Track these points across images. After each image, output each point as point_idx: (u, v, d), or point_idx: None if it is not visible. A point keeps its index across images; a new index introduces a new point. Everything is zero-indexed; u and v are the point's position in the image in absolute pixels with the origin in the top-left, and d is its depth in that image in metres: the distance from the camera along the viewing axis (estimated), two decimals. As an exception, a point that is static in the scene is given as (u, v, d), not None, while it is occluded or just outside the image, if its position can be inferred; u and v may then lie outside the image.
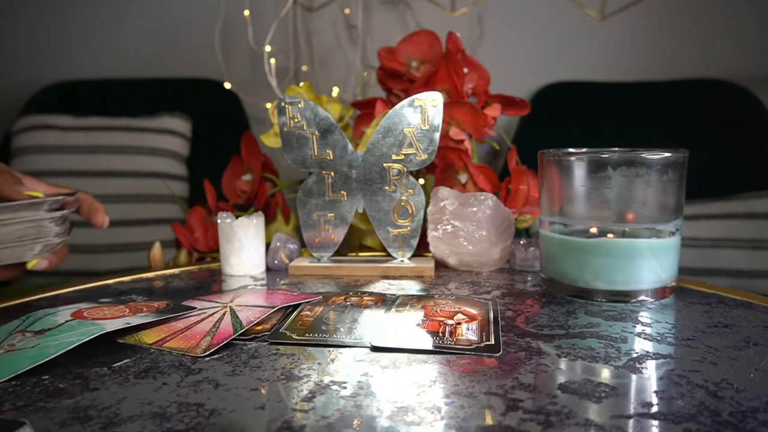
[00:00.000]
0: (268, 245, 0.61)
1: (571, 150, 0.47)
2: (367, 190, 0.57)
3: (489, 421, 0.26)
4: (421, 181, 0.67)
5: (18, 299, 0.49)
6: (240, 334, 0.38)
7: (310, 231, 0.59)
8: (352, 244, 0.68)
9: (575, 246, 0.46)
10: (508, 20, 1.31)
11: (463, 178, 0.64)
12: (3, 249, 0.46)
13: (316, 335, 0.38)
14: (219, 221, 0.58)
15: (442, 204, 0.57)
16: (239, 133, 0.74)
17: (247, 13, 1.21)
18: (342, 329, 0.39)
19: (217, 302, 0.45)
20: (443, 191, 0.58)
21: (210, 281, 0.55)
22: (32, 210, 0.47)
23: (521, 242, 0.58)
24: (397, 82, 0.72)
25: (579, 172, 0.46)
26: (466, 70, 0.67)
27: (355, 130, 0.71)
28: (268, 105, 0.79)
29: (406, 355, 0.35)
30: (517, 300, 0.46)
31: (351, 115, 0.73)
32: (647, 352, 0.35)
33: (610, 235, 0.46)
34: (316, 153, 0.57)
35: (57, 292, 0.51)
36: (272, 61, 1.03)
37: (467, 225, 0.56)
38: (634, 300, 0.45)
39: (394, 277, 0.55)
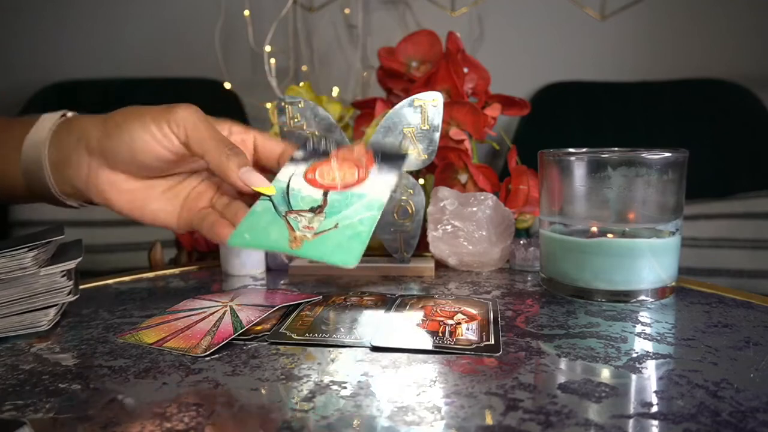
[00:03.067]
0: (268, 245, 0.60)
1: (571, 150, 0.47)
2: (367, 190, 0.57)
3: (489, 421, 0.26)
4: (421, 181, 0.67)
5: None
6: (240, 334, 0.38)
7: (310, 231, 0.59)
8: (352, 244, 0.68)
9: (575, 246, 0.46)
10: (508, 20, 1.31)
11: (463, 178, 0.64)
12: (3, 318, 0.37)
13: (316, 335, 0.38)
14: (219, 221, 0.58)
15: (442, 204, 0.57)
16: (239, 133, 0.74)
17: (247, 13, 1.21)
18: (342, 329, 0.39)
19: (217, 301, 0.45)
20: (443, 191, 0.58)
21: (210, 281, 0.55)
22: (15, 259, 0.37)
23: (521, 242, 0.58)
24: (397, 82, 0.72)
25: (579, 172, 0.46)
26: (466, 70, 0.67)
27: (355, 130, 0.71)
28: (268, 105, 0.79)
29: (406, 355, 0.35)
30: (517, 300, 0.46)
31: (351, 115, 0.73)
32: (647, 352, 0.35)
33: (610, 235, 0.46)
34: (316, 153, 0.57)
35: (57, 292, 0.51)
36: (272, 61, 1.03)
37: (467, 225, 0.56)
38: (634, 300, 0.45)
39: (394, 277, 0.55)
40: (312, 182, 0.37)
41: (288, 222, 0.33)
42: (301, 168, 0.39)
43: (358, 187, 0.36)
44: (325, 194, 0.36)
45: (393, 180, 0.37)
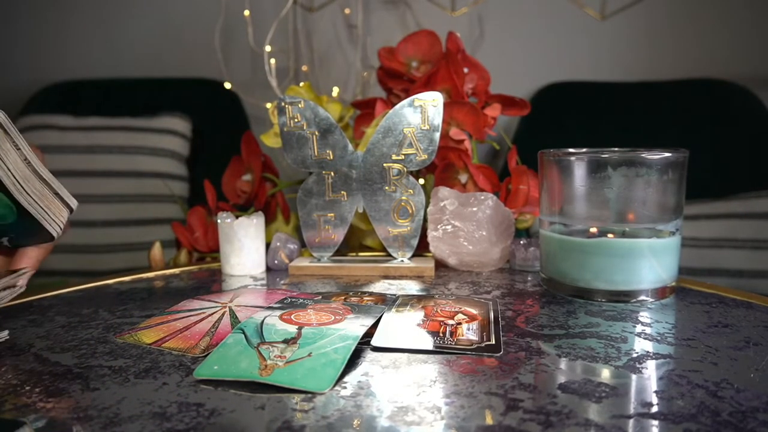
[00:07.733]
0: (268, 245, 0.61)
1: (571, 150, 0.47)
2: (367, 190, 0.57)
3: (489, 421, 0.26)
4: (421, 181, 0.67)
5: (18, 299, 0.49)
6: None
7: (310, 231, 0.59)
8: (352, 244, 0.68)
9: (575, 246, 0.46)
10: (508, 20, 1.31)
11: (463, 178, 0.64)
12: None
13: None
14: (219, 221, 0.58)
15: (442, 204, 0.57)
16: (239, 133, 0.74)
17: (247, 13, 1.21)
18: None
19: (216, 302, 0.45)
20: (443, 191, 0.58)
21: (210, 281, 0.55)
22: None
23: (521, 242, 0.58)
24: (397, 82, 0.72)
25: (579, 172, 0.46)
26: (466, 70, 0.67)
27: (355, 130, 0.71)
28: (268, 105, 0.79)
29: (406, 355, 0.35)
30: (517, 300, 0.46)
31: (351, 115, 0.73)
32: (647, 352, 0.35)
33: (610, 235, 0.46)
34: (316, 153, 0.57)
35: (57, 292, 0.51)
36: (272, 61, 1.03)
37: (467, 225, 0.56)
38: (634, 300, 0.45)
39: (394, 277, 0.55)
40: (287, 321, 0.38)
41: (259, 352, 0.33)
42: (277, 312, 0.40)
43: (334, 325, 0.37)
44: (300, 329, 0.37)
45: (369, 322, 0.38)
